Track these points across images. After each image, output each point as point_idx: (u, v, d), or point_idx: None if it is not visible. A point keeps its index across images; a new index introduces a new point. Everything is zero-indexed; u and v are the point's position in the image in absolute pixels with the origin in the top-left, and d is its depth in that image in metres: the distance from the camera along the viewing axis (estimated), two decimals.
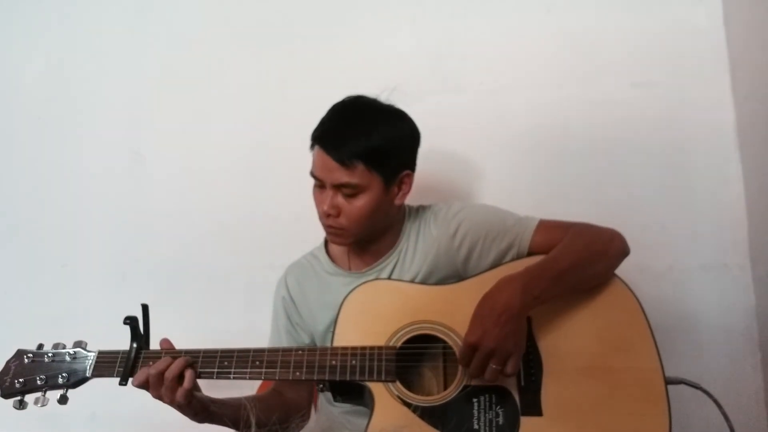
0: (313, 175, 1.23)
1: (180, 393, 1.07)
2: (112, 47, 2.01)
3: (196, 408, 1.11)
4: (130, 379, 1.11)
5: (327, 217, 1.22)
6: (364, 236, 1.26)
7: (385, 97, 1.26)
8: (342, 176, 1.18)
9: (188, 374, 1.08)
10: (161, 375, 1.08)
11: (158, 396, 1.09)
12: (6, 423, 1.58)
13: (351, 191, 1.19)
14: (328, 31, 1.87)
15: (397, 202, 1.27)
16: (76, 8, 2.05)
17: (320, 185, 1.23)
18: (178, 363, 1.09)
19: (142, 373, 1.09)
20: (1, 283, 1.95)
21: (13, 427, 1.60)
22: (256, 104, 1.88)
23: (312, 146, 1.24)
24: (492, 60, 1.74)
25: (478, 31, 1.77)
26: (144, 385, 1.09)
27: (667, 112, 1.62)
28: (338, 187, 1.19)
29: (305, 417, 1.30)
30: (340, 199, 1.20)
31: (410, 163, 1.27)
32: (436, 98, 1.72)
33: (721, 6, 1.63)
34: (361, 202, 1.20)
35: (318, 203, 1.24)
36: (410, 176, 1.27)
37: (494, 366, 1.05)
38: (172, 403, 1.09)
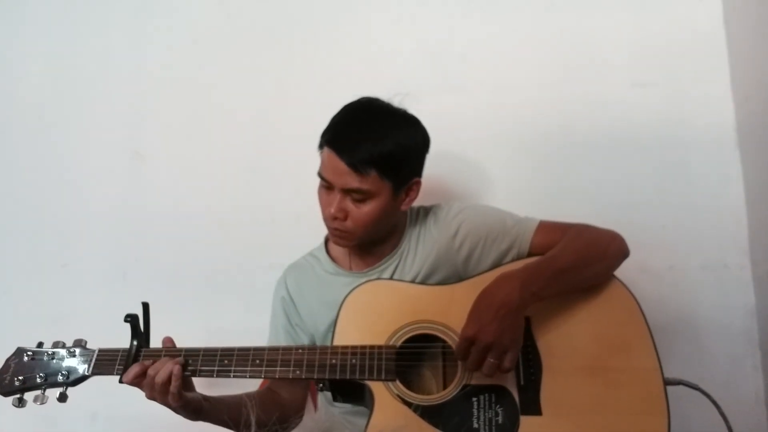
0: (321, 175, 1.21)
1: (169, 395, 1.07)
2: (112, 47, 2.01)
3: (189, 408, 1.11)
4: None
5: (333, 220, 1.20)
6: (366, 239, 1.26)
7: (398, 102, 1.25)
8: (353, 181, 1.16)
9: (174, 378, 1.07)
10: (153, 378, 1.07)
11: (152, 397, 1.09)
12: (6, 422, 1.58)
13: (361, 197, 1.17)
14: (328, 31, 1.87)
15: (403, 208, 1.26)
16: (76, 8, 2.05)
17: (327, 186, 1.21)
18: (167, 368, 1.07)
19: (131, 371, 1.08)
20: (1, 282, 1.94)
21: (13, 426, 1.60)
22: (256, 104, 1.87)
23: (321, 146, 1.22)
24: (492, 60, 1.74)
25: (479, 30, 1.77)
26: (136, 384, 1.09)
27: (667, 112, 1.62)
28: (348, 192, 1.18)
29: (300, 416, 1.30)
30: (348, 203, 1.19)
31: (420, 171, 1.27)
32: (436, 98, 1.71)
33: (721, 6, 1.63)
34: (369, 207, 1.18)
35: (324, 204, 1.22)
36: (419, 183, 1.26)
37: (491, 359, 1.05)
38: (165, 404, 1.09)
